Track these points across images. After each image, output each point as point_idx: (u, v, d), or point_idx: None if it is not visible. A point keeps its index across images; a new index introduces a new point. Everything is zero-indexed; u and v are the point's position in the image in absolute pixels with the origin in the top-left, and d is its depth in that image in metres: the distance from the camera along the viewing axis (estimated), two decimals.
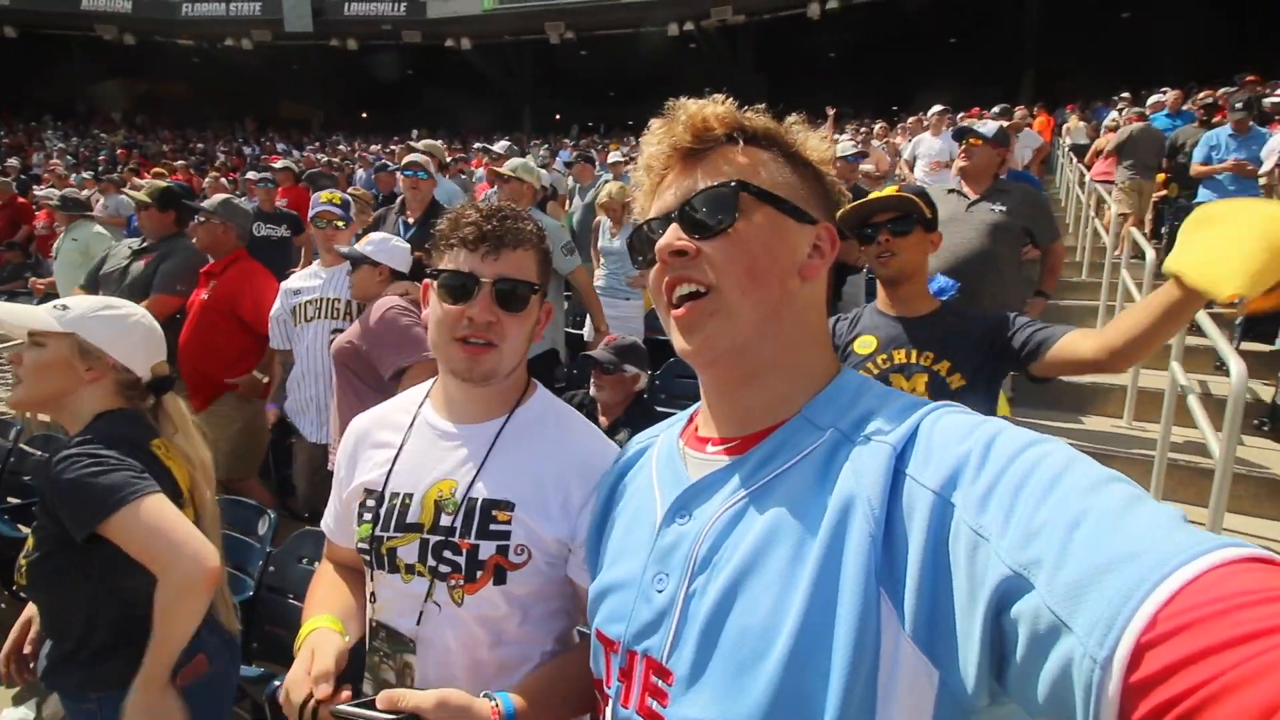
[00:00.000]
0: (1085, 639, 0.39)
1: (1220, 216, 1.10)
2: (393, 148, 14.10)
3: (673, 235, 0.66)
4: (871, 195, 1.89)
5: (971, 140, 3.05)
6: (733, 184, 0.65)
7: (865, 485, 0.56)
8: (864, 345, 1.87)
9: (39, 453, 3.59)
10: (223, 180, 9.32)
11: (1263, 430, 3.91)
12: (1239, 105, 5.68)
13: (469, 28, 21.82)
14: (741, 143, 0.68)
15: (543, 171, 8.00)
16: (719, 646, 0.59)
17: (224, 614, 1.52)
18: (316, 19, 22.08)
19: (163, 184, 3.97)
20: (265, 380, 3.37)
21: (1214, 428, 2.66)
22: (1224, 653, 0.34)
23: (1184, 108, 8.06)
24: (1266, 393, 4.07)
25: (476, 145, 10.36)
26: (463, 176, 8.34)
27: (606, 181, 5.11)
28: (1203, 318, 3.01)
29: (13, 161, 13.74)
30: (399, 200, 4.03)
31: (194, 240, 3.57)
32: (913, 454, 0.56)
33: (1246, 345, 4.57)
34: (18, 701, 2.53)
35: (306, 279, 3.18)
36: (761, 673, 0.55)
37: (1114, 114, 8.72)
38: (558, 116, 25.49)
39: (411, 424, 1.14)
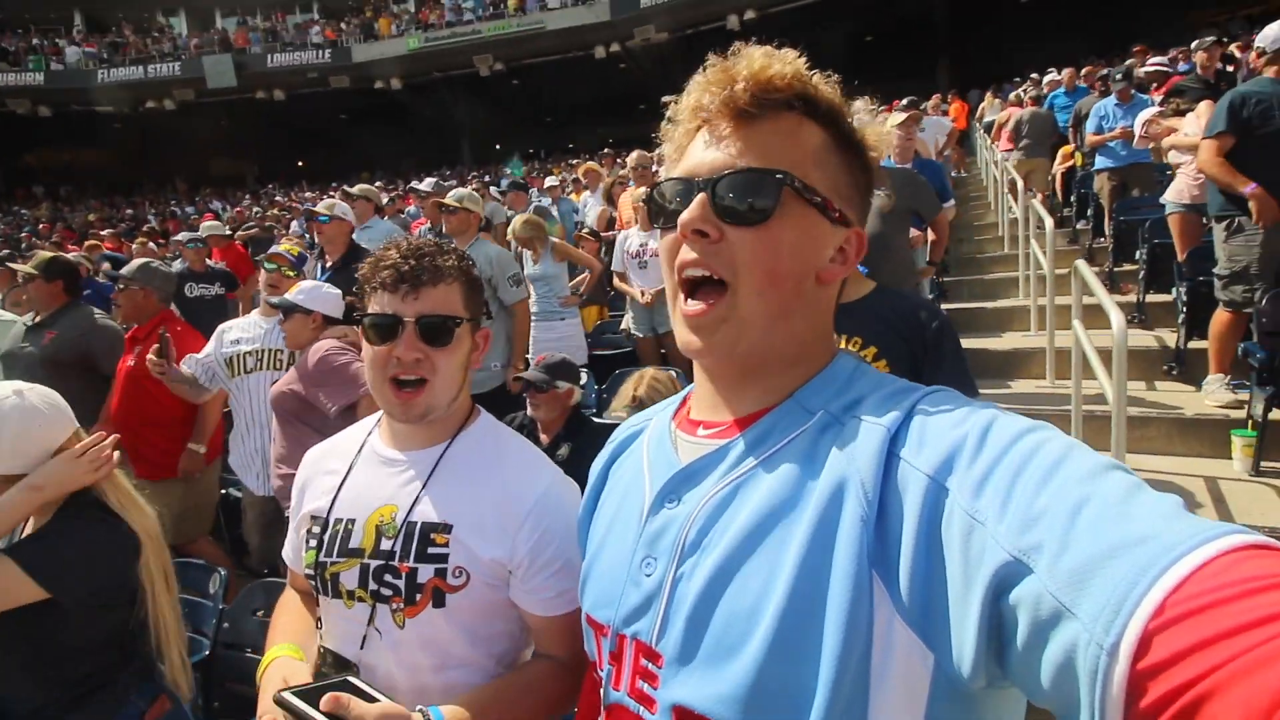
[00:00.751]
0: (1091, 625, 0.39)
1: None
2: (330, 196, 13.99)
3: (699, 212, 0.61)
4: None
5: None
6: (779, 175, 0.60)
7: (858, 467, 0.55)
8: None
9: None
10: (150, 245, 9.11)
11: (1172, 375, 4.18)
12: (1119, 76, 6.10)
13: (397, 68, 21.86)
14: (801, 117, 0.62)
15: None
16: (708, 629, 0.59)
17: (181, 679, 1.53)
18: (240, 73, 21.86)
19: (48, 254, 3.84)
20: (203, 451, 3.31)
21: (1107, 374, 2.86)
22: (1233, 638, 0.34)
23: (1078, 83, 8.57)
24: (1172, 339, 4.36)
25: (408, 185, 10.37)
26: (402, 216, 8.37)
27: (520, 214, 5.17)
28: (1090, 277, 3.24)
29: None
30: (318, 247, 4.06)
31: (96, 313, 3.53)
32: (907, 437, 0.55)
33: (1152, 297, 4.89)
34: None
35: (247, 328, 3.14)
36: (747, 654, 0.55)
37: (1016, 92, 9.23)
38: (497, 146, 25.59)
39: (359, 452, 1.17)
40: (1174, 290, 4.31)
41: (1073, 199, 7.16)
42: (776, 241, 0.61)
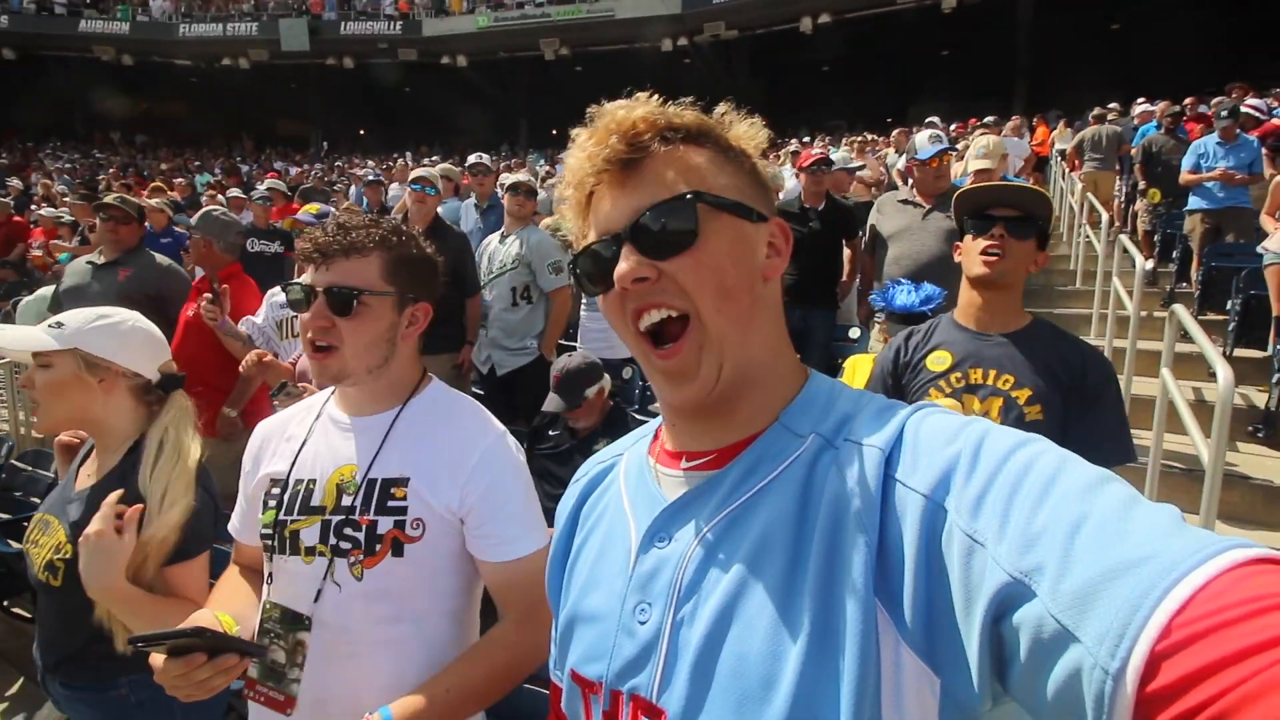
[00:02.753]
0: (1095, 649, 0.38)
1: None
2: (388, 164, 14.19)
3: (631, 261, 0.61)
4: (1006, 183, 1.74)
5: (913, 162, 3.21)
6: (688, 195, 0.60)
7: (856, 492, 0.53)
8: (938, 361, 1.72)
9: (29, 468, 3.57)
10: (219, 198, 9.30)
11: (1258, 437, 3.90)
12: (1224, 114, 5.72)
13: (465, 45, 22.04)
14: (676, 144, 0.63)
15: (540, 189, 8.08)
16: (715, 678, 0.55)
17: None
18: (313, 38, 22.30)
19: (121, 196, 3.92)
20: (235, 416, 3.29)
21: (1204, 434, 2.64)
22: (1242, 662, 0.33)
23: (1155, 118, 8.16)
24: (1261, 399, 4.07)
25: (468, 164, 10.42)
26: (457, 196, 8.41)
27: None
28: (1191, 325, 3.01)
29: (14, 182, 13.76)
30: (400, 215, 4.04)
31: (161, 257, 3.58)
32: (900, 458, 0.54)
33: (1240, 351, 4.57)
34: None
35: None
36: (771, 703, 0.52)
37: (1097, 113, 8.92)
38: (554, 132, 25.67)
39: (317, 418, 1.24)
40: (1271, 347, 4.01)
41: (1156, 238, 6.77)
42: (713, 256, 0.60)
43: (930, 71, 19.92)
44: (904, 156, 7.08)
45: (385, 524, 1.11)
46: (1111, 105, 10.93)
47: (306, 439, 1.21)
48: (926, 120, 7.41)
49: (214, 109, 25.63)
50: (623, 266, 0.61)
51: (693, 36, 19.85)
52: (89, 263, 3.61)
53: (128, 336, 1.48)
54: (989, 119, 7.31)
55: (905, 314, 2.54)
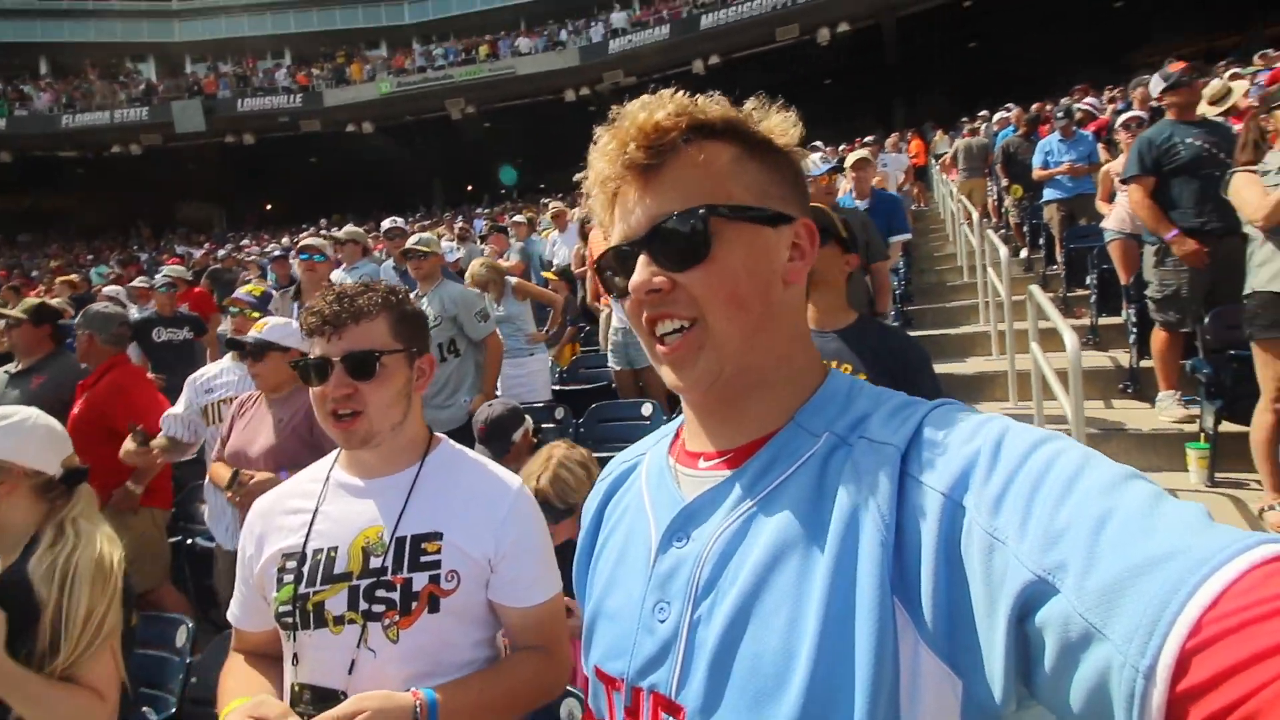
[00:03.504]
0: (1124, 646, 0.37)
1: None
2: (301, 238, 13.93)
3: (646, 273, 0.61)
4: None
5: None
6: (701, 210, 0.60)
7: (872, 490, 0.53)
8: None
9: None
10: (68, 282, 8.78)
11: (1127, 392, 4.35)
12: (1060, 115, 6.48)
13: (368, 112, 22.09)
14: (701, 143, 0.62)
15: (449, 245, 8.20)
16: (732, 675, 0.55)
17: None
18: (209, 117, 21.85)
19: (36, 300, 3.81)
20: (139, 491, 3.20)
21: (1065, 394, 2.98)
22: (1277, 656, 0.33)
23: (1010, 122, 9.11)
24: (1125, 359, 4.55)
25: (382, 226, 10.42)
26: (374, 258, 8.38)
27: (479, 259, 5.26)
28: (1044, 302, 3.40)
29: None
30: (294, 286, 4.04)
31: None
32: (918, 455, 0.53)
33: (1104, 320, 5.11)
34: None
35: (219, 375, 3.06)
36: (784, 700, 0.51)
37: (971, 127, 9.82)
38: (469, 188, 25.85)
39: (324, 486, 1.22)
40: (1123, 313, 4.52)
41: (1024, 228, 7.49)
42: (726, 269, 0.60)
43: (815, 100, 21.30)
44: None
45: (420, 580, 1.11)
46: (981, 113, 12.09)
47: (318, 508, 1.19)
48: (810, 145, 7.98)
49: (106, 198, 24.52)
50: (637, 278, 0.62)
51: (593, 85, 20.63)
52: (5, 372, 3.52)
53: (29, 435, 1.46)
54: (868, 139, 7.93)
55: None
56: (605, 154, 0.63)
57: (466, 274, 4.72)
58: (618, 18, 21.41)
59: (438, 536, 1.14)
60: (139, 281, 7.05)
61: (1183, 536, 0.39)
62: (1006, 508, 0.46)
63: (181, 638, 2.44)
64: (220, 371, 3.07)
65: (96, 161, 22.61)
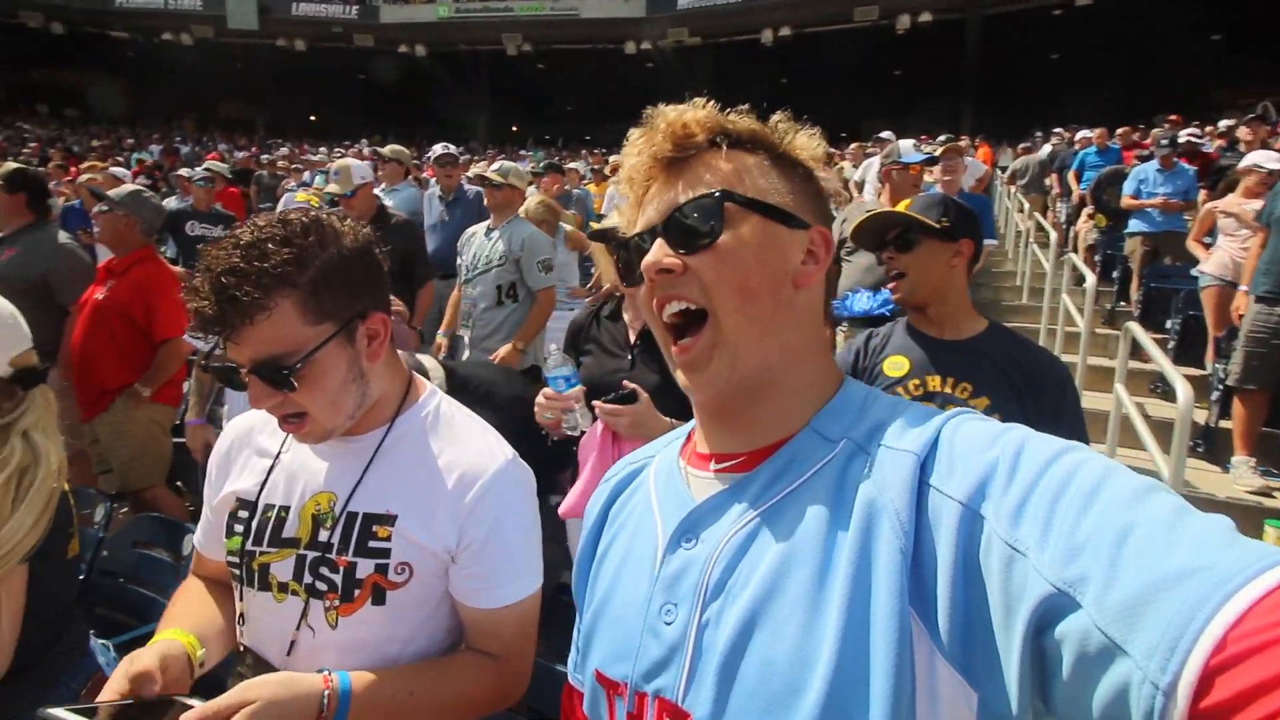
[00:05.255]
0: (1145, 663, 0.36)
1: None
2: (339, 151, 13.68)
3: (658, 252, 0.63)
4: (867, 213, 1.75)
5: (894, 166, 3.19)
6: (716, 193, 0.61)
7: (890, 497, 0.52)
8: (895, 367, 1.69)
9: None
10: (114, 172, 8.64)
11: (1198, 452, 4.09)
12: (1165, 143, 6.04)
13: (424, 34, 21.55)
14: (725, 147, 0.64)
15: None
16: (741, 681, 0.54)
17: None
18: (262, 17, 21.39)
19: (13, 166, 3.55)
20: (146, 395, 3.10)
21: (1161, 450, 2.74)
22: None
23: (1110, 143, 8.61)
24: (1200, 415, 4.28)
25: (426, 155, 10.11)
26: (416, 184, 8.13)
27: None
28: (1146, 341, 3.13)
29: None
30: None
31: (63, 235, 3.30)
32: (935, 463, 0.53)
33: (1179, 368, 4.82)
34: None
35: None
36: (799, 710, 0.50)
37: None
38: (514, 129, 25.32)
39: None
40: (1209, 366, 4.23)
41: (1097, 258, 7.11)
42: (736, 255, 0.61)
43: (882, 89, 20.54)
44: (862, 169, 7.24)
45: (365, 567, 0.97)
46: (1056, 130, 11.56)
47: (280, 455, 1.06)
48: (874, 136, 7.61)
49: (153, 86, 24.20)
50: (650, 256, 0.63)
51: (656, 41, 19.93)
52: None
53: None
54: (942, 137, 7.53)
55: (865, 319, 2.55)
56: (636, 148, 0.66)
57: (521, 209, 4.48)
58: None
59: (390, 520, 0.98)
60: (183, 171, 6.86)
61: (1206, 552, 0.38)
62: (1027, 518, 0.45)
63: (188, 547, 2.37)
64: None
65: (147, 46, 22.27)
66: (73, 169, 9.19)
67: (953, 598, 0.47)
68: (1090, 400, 4.23)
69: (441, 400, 1.10)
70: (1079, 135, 9.77)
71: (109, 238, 3.17)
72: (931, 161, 3.88)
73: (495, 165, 3.79)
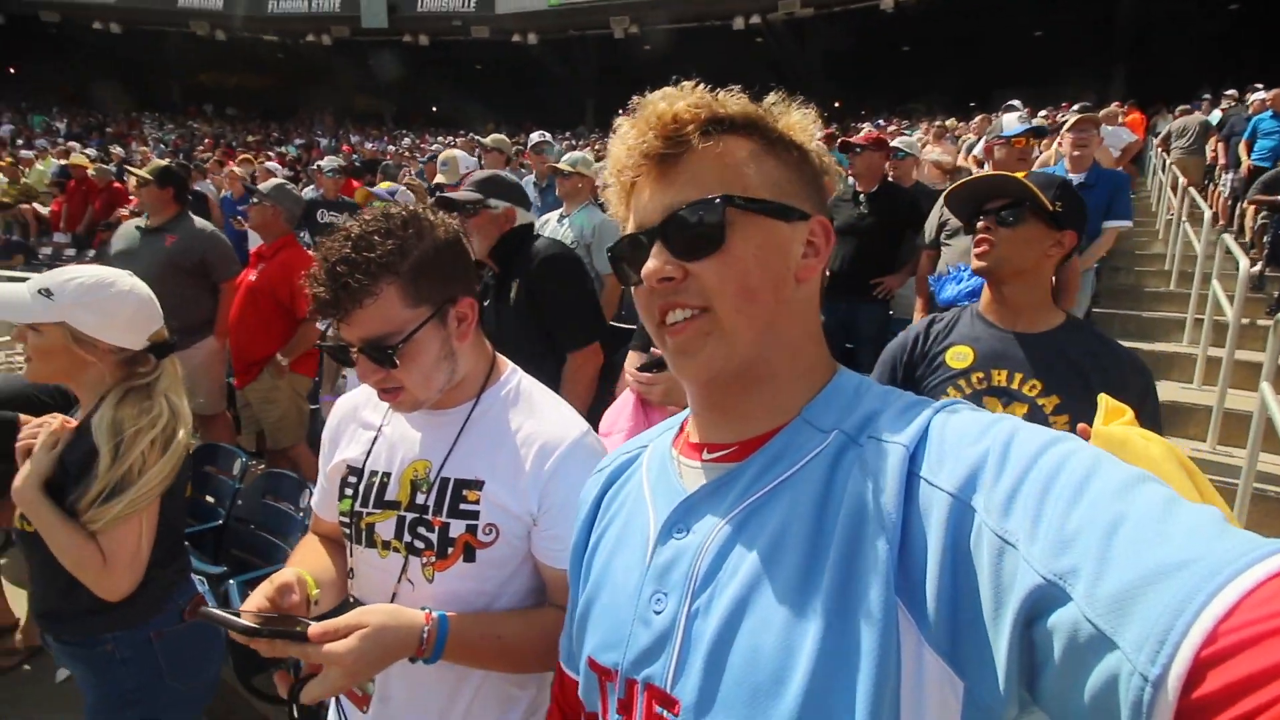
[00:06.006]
0: (1134, 655, 0.36)
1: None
2: (449, 141, 14.46)
3: (659, 261, 0.61)
4: (975, 176, 1.64)
5: (995, 142, 2.94)
6: (718, 199, 0.59)
7: (879, 489, 0.53)
8: (958, 357, 1.59)
9: None
10: (268, 166, 9.59)
11: None
12: None
13: (535, 23, 22.14)
14: (718, 137, 0.62)
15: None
16: (728, 670, 0.55)
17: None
18: (391, 15, 22.86)
19: (162, 163, 4.15)
20: (284, 363, 3.56)
21: None
22: None
23: None
24: None
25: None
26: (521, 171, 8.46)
27: None
28: None
29: (117, 149, 14.75)
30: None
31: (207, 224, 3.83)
32: (925, 455, 0.53)
33: None
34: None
35: None
36: (783, 698, 0.51)
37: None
38: (621, 111, 25.54)
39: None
40: None
41: (1265, 239, 6.16)
42: (739, 260, 0.60)
43: (1019, 53, 18.68)
44: (982, 140, 6.68)
45: (458, 528, 1.07)
46: (1228, 92, 10.08)
47: (381, 427, 1.17)
48: (1005, 105, 6.93)
49: (298, 84, 26.70)
50: (650, 265, 0.62)
51: (766, 14, 19.28)
52: (136, 228, 3.79)
53: (116, 311, 1.44)
54: (1077, 106, 6.79)
55: (950, 307, 2.38)
56: (624, 142, 0.64)
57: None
58: None
59: (478, 485, 1.07)
60: (321, 163, 7.56)
61: (1197, 543, 0.38)
62: (1017, 510, 0.45)
63: (305, 500, 2.68)
64: None
65: (294, 47, 24.51)
66: (228, 162, 10.36)
67: (941, 588, 0.47)
68: (1235, 400, 3.73)
69: (522, 378, 1.20)
70: (1253, 99, 8.46)
71: (259, 225, 3.68)
72: (1038, 134, 3.52)
73: (566, 156, 3.91)
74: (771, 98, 0.66)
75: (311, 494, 1.41)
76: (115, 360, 1.47)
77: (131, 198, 9.13)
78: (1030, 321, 1.55)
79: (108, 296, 1.44)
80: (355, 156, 12.99)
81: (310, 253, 3.85)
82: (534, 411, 1.14)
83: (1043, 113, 9.68)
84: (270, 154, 13.68)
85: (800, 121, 0.65)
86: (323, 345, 1.13)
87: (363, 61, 25.32)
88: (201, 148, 16.49)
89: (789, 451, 0.60)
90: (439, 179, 4.02)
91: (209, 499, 2.92)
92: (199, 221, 3.81)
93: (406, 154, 12.69)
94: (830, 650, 0.50)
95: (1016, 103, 7.02)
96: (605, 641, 0.67)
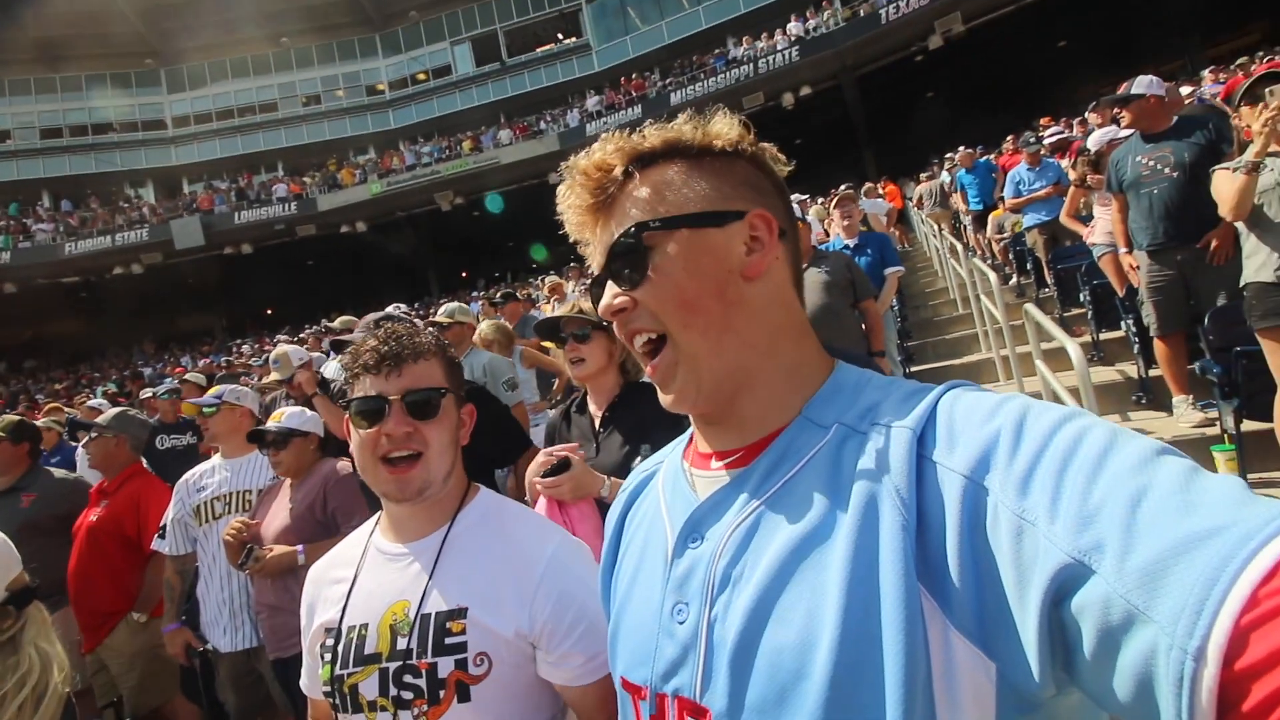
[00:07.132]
0: (1170, 628, 0.35)
1: None
2: (302, 336, 14.13)
3: (609, 296, 0.66)
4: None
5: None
6: (631, 229, 0.63)
7: (889, 475, 0.52)
8: None
9: None
10: (91, 405, 8.82)
11: (1141, 403, 4.30)
12: (1032, 140, 6.73)
13: (361, 213, 22.85)
14: (638, 173, 0.65)
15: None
16: (754, 672, 0.54)
17: None
18: (207, 232, 22.55)
19: (14, 418, 3.81)
20: (143, 620, 3.16)
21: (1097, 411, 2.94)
22: None
23: (976, 160, 9.41)
24: (1133, 370, 4.52)
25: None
26: None
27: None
28: (1041, 318, 3.41)
29: None
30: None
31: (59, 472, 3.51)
32: (934, 438, 0.52)
33: (1104, 335, 5.12)
34: None
35: (208, 475, 3.01)
36: (807, 693, 0.50)
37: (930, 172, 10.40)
38: (464, 274, 26.41)
39: (363, 554, 1.15)
40: (1123, 325, 4.52)
41: (1011, 256, 7.61)
42: (669, 278, 0.63)
43: (789, 159, 22.08)
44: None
45: (446, 665, 1.00)
46: (948, 155, 12.59)
47: (355, 578, 1.12)
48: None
49: (108, 318, 24.94)
50: (604, 301, 0.67)
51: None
52: None
53: None
54: (841, 187, 8.19)
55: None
56: (566, 203, 0.68)
57: (476, 333, 4.74)
58: (591, 102, 22.47)
59: (462, 614, 1.02)
60: (147, 392, 7.09)
61: (1225, 511, 0.37)
62: (1035, 488, 0.44)
63: None
64: (211, 469, 3.03)
65: (99, 283, 23.16)
66: (34, 414, 9.33)
67: (963, 572, 0.47)
68: (1031, 385, 4.46)
69: (491, 496, 1.21)
70: (958, 156, 10.67)
71: (100, 461, 3.34)
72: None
73: (442, 309, 4.11)
74: (683, 117, 0.68)
75: None
76: None
77: None
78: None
79: None
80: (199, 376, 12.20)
81: (162, 483, 3.56)
82: (507, 527, 1.13)
83: (821, 200, 11.47)
84: (90, 394, 12.49)
85: (718, 128, 0.67)
86: (353, 402, 1.09)
87: (182, 281, 24.40)
88: None
89: (793, 450, 0.60)
90: (273, 376, 3.97)
91: None
92: (58, 472, 3.50)
93: (248, 361, 12.17)
94: (851, 641, 0.49)
95: (797, 195, 8.31)
96: (634, 659, 0.66)
